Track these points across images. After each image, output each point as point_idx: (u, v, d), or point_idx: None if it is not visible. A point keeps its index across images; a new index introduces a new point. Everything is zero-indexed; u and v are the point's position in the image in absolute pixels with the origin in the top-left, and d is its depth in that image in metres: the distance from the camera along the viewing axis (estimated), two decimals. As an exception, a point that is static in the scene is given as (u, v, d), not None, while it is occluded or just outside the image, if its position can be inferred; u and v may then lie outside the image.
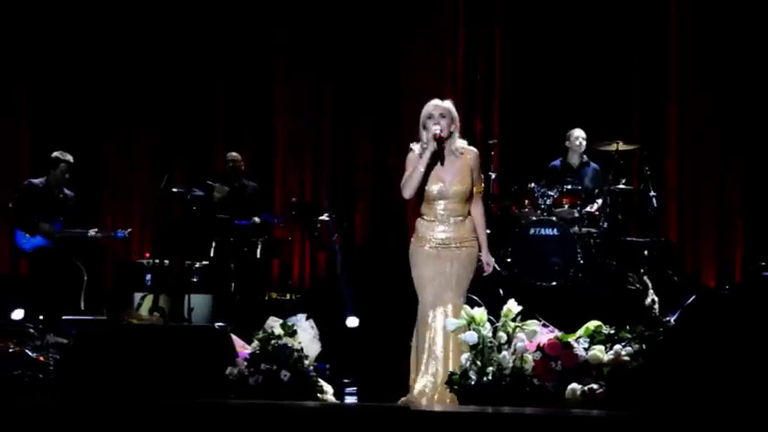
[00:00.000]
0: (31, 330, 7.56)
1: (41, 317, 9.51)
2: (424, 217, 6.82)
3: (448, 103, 6.76)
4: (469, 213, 6.83)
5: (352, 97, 12.86)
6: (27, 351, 7.26)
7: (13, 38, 12.59)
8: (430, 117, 6.69)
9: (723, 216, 11.91)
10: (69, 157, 10.66)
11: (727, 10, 11.87)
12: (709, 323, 6.10)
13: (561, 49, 12.27)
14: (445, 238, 6.74)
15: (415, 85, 12.18)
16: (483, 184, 7.14)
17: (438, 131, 6.62)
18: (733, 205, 11.90)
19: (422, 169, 6.64)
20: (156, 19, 12.75)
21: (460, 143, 6.79)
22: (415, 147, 6.78)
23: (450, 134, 6.71)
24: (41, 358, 7.15)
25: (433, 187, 6.71)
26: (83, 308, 10.18)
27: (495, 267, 7.47)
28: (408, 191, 6.70)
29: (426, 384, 6.59)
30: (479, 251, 6.88)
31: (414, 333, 6.82)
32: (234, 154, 11.53)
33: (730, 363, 5.63)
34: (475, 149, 6.86)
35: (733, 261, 11.72)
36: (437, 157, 6.66)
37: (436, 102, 6.76)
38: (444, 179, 6.71)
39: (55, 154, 10.68)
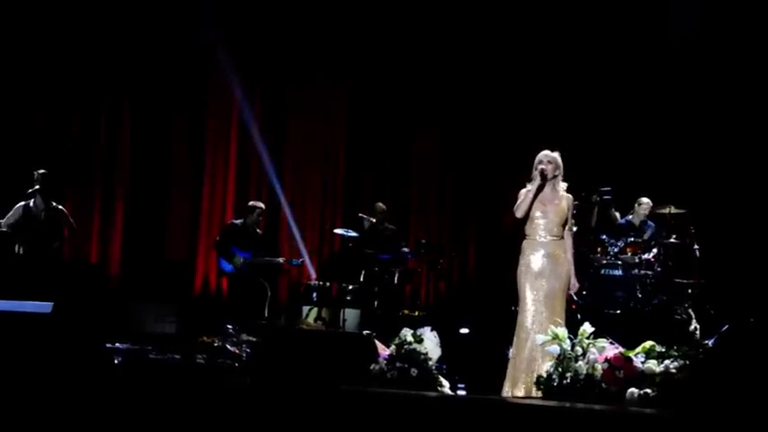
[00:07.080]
0: (231, 330, 7.66)
1: (238, 321, 9.67)
2: (528, 236, 6.75)
3: (555, 154, 6.80)
4: (563, 238, 6.76)
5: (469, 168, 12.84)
6: (227, 346, 7.37)
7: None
8: (540, 162, 6.75)
9: (744, 263, 11.48)
10: (262, 206, 10.85)
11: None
12: (738, 347, 5.98)
13: (634, 136, 12.13)
14: (544, 253, 6.68)
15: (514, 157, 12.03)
16: (573, 226, 7.03)
17: (544, 169, 6.70)
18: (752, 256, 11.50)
19: (531, 195, 6.69)
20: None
21: (562, 185, 6.80)
22: (529, 184, 6.79)
23: (555, 176, 6.73)
24: (237, 351, 7.26)
25: (537, 212, 6.70)
26: (267, 315, 10.29)
27: (573, 297, 7.43)
28: (520, 212, 6.70)
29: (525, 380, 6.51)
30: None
31: (513, 342, 6.69)
32: (381, 205, 11.51)
33: (754, 376, 5.50)
34: (571, 196, 6.84)
35: (753, 298, 11.34)
36: (541, 188, 6.70)
37: (546, 152, 6.81)
38: (546, 206, 6.71)
39: (251, 203, 10.88)
